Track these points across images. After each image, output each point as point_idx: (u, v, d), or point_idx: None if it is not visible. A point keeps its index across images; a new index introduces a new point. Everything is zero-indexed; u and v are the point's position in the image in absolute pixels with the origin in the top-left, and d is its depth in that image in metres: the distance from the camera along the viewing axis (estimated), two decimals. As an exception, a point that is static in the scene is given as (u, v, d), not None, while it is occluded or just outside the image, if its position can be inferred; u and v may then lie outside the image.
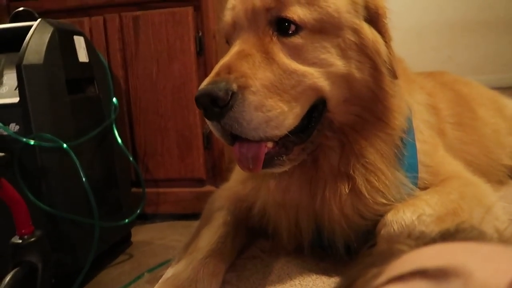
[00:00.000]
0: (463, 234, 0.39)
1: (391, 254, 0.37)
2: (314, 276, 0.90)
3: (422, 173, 0.91)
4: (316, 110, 0.80)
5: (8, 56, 1.22)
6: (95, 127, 1.32)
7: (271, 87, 0.73)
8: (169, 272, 0.95)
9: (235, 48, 0.77)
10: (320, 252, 0.95)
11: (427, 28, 2.97)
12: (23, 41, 1.14)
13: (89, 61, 1.35)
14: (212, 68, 0.76)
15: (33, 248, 1.00)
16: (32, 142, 1.10)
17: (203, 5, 1.53)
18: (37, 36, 1.17)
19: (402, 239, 0.41)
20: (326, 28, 0.77)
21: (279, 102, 0.73)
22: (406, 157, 0.87)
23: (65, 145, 1.15)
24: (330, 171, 0.84)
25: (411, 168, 0.89)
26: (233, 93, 0.70)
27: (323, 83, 0.77)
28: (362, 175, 0.83)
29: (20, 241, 0.99)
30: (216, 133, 0.77)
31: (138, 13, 1.58)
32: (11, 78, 1.18)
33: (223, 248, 0.93)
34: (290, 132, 0.75)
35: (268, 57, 0.75)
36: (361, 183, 0.83)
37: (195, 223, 1.24)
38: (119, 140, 1.42)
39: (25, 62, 1.12)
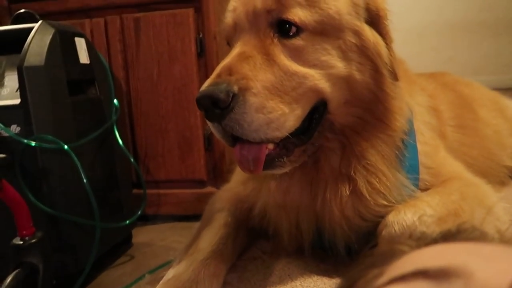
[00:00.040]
0: (464, 235, 0.39)
1: (392, 255, 0.37)
2: (315, 277, 0.89)
3: (423, 175, 0.91)
4: (317, 112, 0.80)
5: (10, 58, 1.22)
6: (96, 129, 1.32)
7: (272, 88, 0.73)
8: (170, 273, 0.94)
9: (236, 50, 0.77)
10: (321, 253, 0.95)
11: (428, 29, 2.97)
12: (25, 43, 1.15)
13: (90, 63, 1.35)
14: (212, 70, 0.77)
15: (34, 249, 1.00)
16: (33, 143, 1.10)
17: (204, 7, 1.54)
18: (38, 37, 1.17)
19: (403, 239, 0.41)
20: (327, 30, 0.77)
21: (280, 104, 0.73)
22: (407, 158, 0.87)
23: (66, 147, 1.15)
24: (331, 173, 0.84)
25: (412, 169, 0.89)
26: (234, 95, 0.70)
27: (324, 85, 0.77)
28: (363, 176, 0.83)
29: (21, 242, 0.99)
30: (217, 135, 0.77)
31: (139, 14, 1.59)
32: (12, 79, 1.18)
33: (224, 249, 0.93)
34: (291, 133, 0.75)
35: (269, 58, 0.75)
36: (362, 185, 0.82)
37: (195, 224, 1.24)
38: (120, 141, 1.42)
39: (26, 63, 1.12)
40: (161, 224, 1.68)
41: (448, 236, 0.38)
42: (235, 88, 0.70)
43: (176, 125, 1.62)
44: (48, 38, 1.18)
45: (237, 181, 1.09)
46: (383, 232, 0.80)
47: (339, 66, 0.77)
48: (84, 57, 1.33)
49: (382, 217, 0.84)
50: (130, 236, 1.53)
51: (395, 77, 0.81)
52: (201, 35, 1.56)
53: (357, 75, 0.79)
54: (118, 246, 1.44)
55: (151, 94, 1.62)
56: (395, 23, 0.83)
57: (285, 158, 0.79)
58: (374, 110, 0.82)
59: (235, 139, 0.77)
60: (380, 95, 0.81)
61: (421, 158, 0.91)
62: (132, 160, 1.53)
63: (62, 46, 1.22)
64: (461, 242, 0.36)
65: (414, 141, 0.90)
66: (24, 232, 1.00)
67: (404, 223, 0.78)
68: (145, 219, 1.68)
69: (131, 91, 1.64)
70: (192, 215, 1.57)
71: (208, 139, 1.61)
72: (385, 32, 0.81)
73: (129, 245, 1.51)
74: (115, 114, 1.43)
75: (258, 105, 0.71)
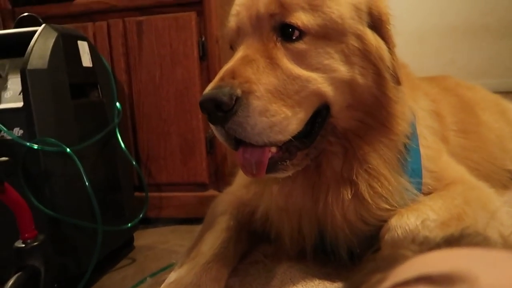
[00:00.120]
0: (467, 240, 0.38)
1: (395, 260, 0.37)
2: (317, 281, 0.89)
3: (426, 179, 0.91)
4: (320, 116, 0.80)
5: (13, 61, 1.23)
6: (99, 132, 1.32)
7: (275, 92, 0.73)
8: (172, 277, 0.94)
9: (239, 54, 0.77)
10: (323, 257, 0.95)
11: (430, 32, 2.97)
12: (28, 46, 1.15)
13: (92, 66, 1.36)
14: (215, 73, 0.77)
15: (36, 252, 1.00)
16: (35, 146, 1.11)
17: (206, 10, 1.54)
18: (42, 41, 1.18)
19: (406, 244, 0.41)
20: (330, 34, 0.77)
21: (283, 107, 0.73)
22: (409, 162, 0.87)
23: (68, 150, 1.15)
24: (333, 177, 0.84)
25: (415, 173, 0.88)
26: (237, 98, 0.70)
27: (327, 89, 0.77)
28: (365, 180, 0.83)
29: (23, 245, 0.99)
30: (220, 138, 0.78)
31: (141, 18, 1.59)
32: (15, 82, 1.19)
33: (226, 253, 0.93)
34: (293, 137, 0.75)
35: (272, 62, 0.75)
36: (364, 189, 0.82)
37: (197, 228, 1.24)
38: (122, 144, 1.42)
39: (29, 67, 1.13)
40: (162, 227, 1.68)
41: (451, 241, 0.38)
42: (238, 92, 0.71)
43: (178, 128, 1.62)
44: (51, 42, 1.18)
45: (240, 184, 1.09)
46: (386, 236, 0.80)
47: (342, 70, 0.77)
48: (86, 61, 1.34)
49: (385, 221, 0.84)
50: (131, 239, 1.53)
51: (397, 81, 0.81)
52: (203, 39, 1.56)
53: (360, 79, 0.79)
54: (120, 249, 1.44)
55: (153, 97, 1.63)
56: (397, 27, 0.83)
57: (288, 162, 0.79)
58: (376, 114, 0.82)
59: (238, 143, 0.77)
60: (383, 99, 0.81)
61: (424, 162, 0.91)
62: (134, 163, 1.53)
63: (65, 49, 1.22)
64: (464, 247, 0.36)
65: (417, 145, 0.90)
66: (26, 235, 1.00)
67: (407, 227, 0.78)
68: (147, 222, 1.68)
69: (134, 94, 1.65)
70: (194, 218, 1.57)
71: (210, 142, 1.61)
72: (387, 37, 0.81)
73: (130, 248, 1.51)
74: (117, 117, 1.43)
75: (261, 108, 0.71)
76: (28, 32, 1.21)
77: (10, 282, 0.94)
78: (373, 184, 0.83)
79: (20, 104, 1.14)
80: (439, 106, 1.12)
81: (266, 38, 0.77)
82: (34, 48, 1.15)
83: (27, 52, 1.14)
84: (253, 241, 1.05)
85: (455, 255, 0.34)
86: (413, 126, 0.89)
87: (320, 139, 0.82)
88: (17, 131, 1.13)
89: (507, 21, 2.87)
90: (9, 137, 1.12)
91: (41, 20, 1.30)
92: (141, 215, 1.44)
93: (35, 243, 1.00)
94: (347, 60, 0.78)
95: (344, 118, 0.81)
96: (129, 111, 1.65)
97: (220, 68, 0.77)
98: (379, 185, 0.83)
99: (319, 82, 0.76)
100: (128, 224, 1.39)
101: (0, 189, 0.95)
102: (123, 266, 1.38)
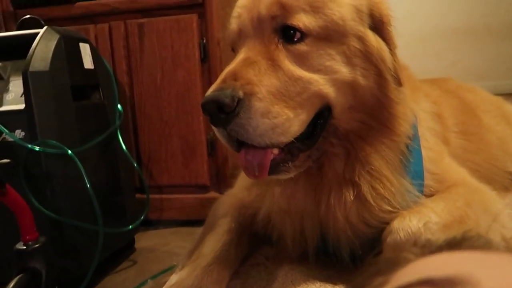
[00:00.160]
0: (469, 243, 0.38)
1: (397, 263, 0.36)
2: (318, 284, 0.89)
3: (428, 180, 0.90)
4: (322, 117, 0.80)
5: (15, 63, 1.23)
6: (100, 134, 1.32)
7: (277, 93, 0.73)
8: (173, 279, 0.94)
9: (241, 56, 0.77)
10: (325, 259, 0.95)
11: (431, 34, 2.97)
12: (30, 48, 1.16)
13: (94, 68, 1.36)
14: (216, 75, 0.77)
15: (38, 254, 1.00)
16: (37, 148, 1.11)
17: (208, 13, 1.54)
18: (43, 43, 1.18)
19: (408, 247, 0.41)
20: (331, 36, 0.77)
21: (285, 108, 0.73)
22: (411, 164, 0.87)
23: (69, 152, 1.15)
24: (335, 178, 0.84)
25: (417, 175, 0.88)
26: (239, 100, 0.70)
27: (329, 90, 0.77)
28: (367, 182, 0.82)
29: (25, 247, 0.99)
30: (222, 140, 0.78)
31: (143, 20, 1.60)
32: (17, 85, 1.19)
33: (227, 255, 0.93)
34: (295, 138, 0.75)
35: (274, 64, 0.75)
36: (366, 190, 0.82)
37: (199, 230, 1.24)
38: (124, 146, 1.42)
39: (31, 69, 1.13)
40: (164, 229, 1.68)
41: (453, 244, 0.38)
42: (240, 93, 0.71)
43: (179, 130, 1.62)
44: (53, 44, 1.19)
45: (241, 186, 1.08)
46: (388, 239, 0.79)
47: (344, 71, 0.77)
48: (88, 63, 1.34)
49: (387, 223, 0.83)
50: (133, 241, 1.53)
51: (399, 83, 0.82)
52: (204, 41, 1.57)
53: (361, 80, 0.79)
54: (121, 251, 1.44)
55: (154, 99, 1.63)
56: (398, 28, 0.83)
57: (290, 163, 0.79)
58: (378, 115, 0.82)
59: (240, 144, 0.77)
60: (384, 100, 0.81)
61: (426, 164, 0.91)
62: (135, 164, 1.53)
63: (67, 51, 1.23)
64: (466, 250, 0.36)
65: (419, 146, 0.90)
66: (27, 237, 1.00)
67: (409, 230, 0.78)
68: (148, 224, 1.68)
69: (135, 96, 1.65)
70: (195, 220, 1.57)
71: (211, 144, 1.61)
72: (388, 38, 0.81)
73: (132, 250, 1.51)
74: (118, 119, 1.43)
75: (263, 110, 0.71)
76: (30, 34, 1.21)
77: (11, 284, 0.94)
78: (375, 185, 0.83)
79: (21, 106, 1.14)
80: (440, 108, 1.12)
81: (267, 40, 0.77)
82: (36, 50, 1.16)
83: (29, 54, 1.15)
84: (254, 244, 1.05)
85: (457, 258, 0.34)
86: (414, 127, 0.89)
87: (322, 141, 0.82)
88: (19, 133, 1.14)
89: (509, 22, 2.87)
90: (10, 139, 1.12)
91: (43, 22, 1.30)
92: (142, 217, 1.45)
93: (36, 245, 1.00)
94: (349, 62, 0.78)
95: (346, 119, 0.81)
96: (131, 113, 1.66)
97: (222, 70, 0.77)
98: (381, 186, 0.83)
99: (321, 83, 0.76)
100: (129, 226, 1.39)
101: (2, 191, 0.95)
102: (124, 268, 1.38)
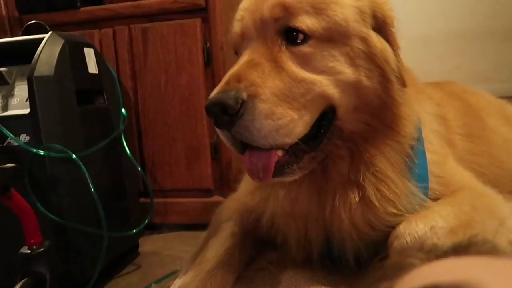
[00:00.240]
0: (476, 247, 0.38)
1: (402, 268, 0.36)
2: (323, 288, 0.88)
3: (433, 184, 0.90)
4: (326, 118, 0.80)
5: (20, 68, 1.24)
6: (104, 138, 1.33)
7: (280, 95, 0.73)
8: (177, 283, 0.94)
9: (244, 58, 0.77)
10: (329, 264, 0.94)
11: (434, 37, 2.96)
12: (35, 53, 1.17)
13: (98, 73, 1.37)
14: (219, 79, 0.77)
15: (42, 258, 1.00)
16: (42, 152, 1.11)
17: (211, 17, 1.55)
18: (48, 48, 1.19)
19: (414, 252, 0.40)
20: (334, 37, 0.77)
21: (288, 110, 0.73)
22: (416, 166, 0.86)
23: (74, 156, 1.16)
24: (339, 180, 0.84)
25: (421, 178, 0.88)
26: (243, 102, 0.70)
27: (333, 91, 0.77)
28: (372, 184, 0.82)
29: (29, 251, 0.99)
30: (226, 142, 0.77)
31: (147, 25, 1.61)
32: (22, 89, 1.20)
33: (230, 259, 0.92)
34: (300, 140, 0.75)
35: (277, 66, 0.75)
36: (371, 192, 0.81)
37: (202, 234, 1.23)
38: (128, 150, 1.43)
39: (36, 73, 1.14)
40: (167, 233, 1.68)
41: (459, 249, 0.37)
42: (244, 95, 0.70)
43: (183, 134, 1.63)
44: (57, 49, 1.20)
45: (245, 190, 1.08)
46: (395, 244, 0.79)
47: (347, 72, 0.77)
48: (92, 67, 1.35)
49: (391, 226, 0.83)
50: (137, 245, 1.53)
51: (403, 84, 0.81)
52: (208, 45, 1.57)
53: (365, 81, 0.79)
54: (125, 255, 1.44)
55: (158, 103, 1.64)
56: (401, 31, 0.83)
57: (294, 165, 0.79)
58: (382, 117, 0.82)
59: (244, 147, 0.76)
60: (388, 101, 0.81)
61: (430, 167, 0.90)
62: (139, 169, 1.54)
63: (71, 56, 1.24)
64: (473, 255, 0.36)
65: (423, 149, 0.90)
66: (32, 241, 1.00)
67: (416, 234, 0.77)
68: (152, 228, 1.68)
69: (139, 100, 1.66)
70: (199, 224, 1.57)
71: (215, 148, 1.61)
72: (391, 39, 0.81)
73: (135, 254, 1.51)
74: (122, 123, 1.44)
75: (267, 111, 0.71)
76: (35, 39, 1.22)
77: (16, 288, 0.94)
78: (380, 187, 0.82)
79: (26, 110, 1.15)
80: (444, 110, 1.11)
81: (270, 42, 0.77)
82: (41, 55, 1.17)
83: (34, 59, 1.16)
84: (258, 248, 1.05)
85: (464, 263, 0.33)
86: (418, 130, 0.88)
87: (327, 142, 0.81)
88: (24, 138, 1.14)
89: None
90: (15, 144, 1.13)
91: (48, 27, 1.31)
92: (146, 221, 1.44)
93: (41, 249, 1.00)
94: (352, 63, 0.78)
95: (350, 120, 0.81)
96: (135, 117, 1.66)
97: (225, 74, 0.77)
98: (386, 188, 0.82)
99: (325, 84, 0.76)
100: (133, 230, 1.39)
101: (7, 195, 0.96)
102: (128, 272, 1.38)
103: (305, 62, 0.76)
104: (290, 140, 0.74)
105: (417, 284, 0.30)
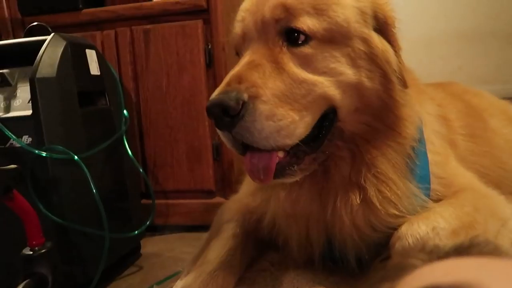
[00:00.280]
0: (478, 248, 0.38)
1: (403, 269, 0.36)
2: (324, 289, 0.88)
3: (435, 185, 0.89)
4: (327, 119, 0.80)
5: (22, 70, 1.25)
6: (106, 139, 1.33)
7: (281, 96, 0.73)
8: (178, 285, 0.94)
9: (245, 59, 0.77)
10: (331, 265, 0.94)
11: (436, 38, 2.95)
12: (37, 55, 1.17)
13: (100, 74, 1.37)
14: (221, 80, 0.77)
15: (44, 259, 1.00)
16: (44, 154, 1.12)
17: (213, 18, 1.55)
18: (50, 50, 1.19)
19: (416, 253, 0.40)
20: (336, 38, 0.77)
21: (289, 111, 0.73)
22: (418, 167, 0.86)
23: (76, 157, 1.16)
24: (341, 181, 0.83)
25: (423, 179, 0.87)
26: (244, 103, 0.70)
27: (334, 92, 0.77)
28: (373, 185, 0.82)
29: (31, 252, 1.00)
30: (227, 143, 0.77)
31: (148, 26, 1.61)
32: (24, 91, 1.20)
33: (232, 261, 0.92)
34: (301, 141, 0.75)
35: (278, 67, 0.75)
36: (372, 194, 0.81)
37: (204, 235, 1.23)
38: (129, 151, 1.43)
39: (38, 75, 1.14)
40: (169, 234, 1.68)
41: (461, 250, 0.37)
42: (245, 96, 0.70)
43: (185, 135, 1.63)
44: (59, 50, 1.20)
45: (246, 192, 1.08)
46: (397, 245, 0.78)
47: (349, 73, 0.77)
48: (94, 69, 1.35)
49: (393, 228, 0.83)
50: (138, 247, 1.53)
51: (404, 84, 0.81)
52: (209, 46, 1.57)
53: (367, 82, 0.78)
54: (127, 257, 1.44)
55: (160, 104, 1.64)
56: (402, 32, 0.83)
57: (295, 167, 0.78)
58: (384, 118, 0.81)
59: (245, 148, 0.76)
60: (390, 102, 0.81)
61: (432, 168, 0.90)
62: (141, 170, 1.54)
63: (74, 58, 1.24)
64: (474, 256, 0.35)
65: (425, 150, 0.89)
66: (34, 242, 1.00)
67: (418, 235, 0.77)
68: (154, 230, 1.68)
69: (141, 101, 1.66)
70: (201, 225, 1.57)
71: (217, 149, 1.61)
72: (393, 40, 0.81)
73: (137, 255, 1.51)
74: (124, 124, 1.44)
75: (268, 112, 0.71)
76: (37, 41, 1.22)
77: (18, 290, 0.94)
78: (381, 188, 0.82)
79: (29, 112, 1.15)
80: (446, 111, 1.11)
81: (271, 43, 0.77)
82: (43, 57, 1.17)
83: (36, 60, 1.16)
84: (259, 249, 1.04)
85: (465, 264, 0.33)
86: (420, 130, 0.88)
87: (328, 143, 0.81)
88: (26, 139, 1.15)
89: (514, 26, 2.85)
90: (18, 145, 1.13)
91: (50, 29, 1.32)
92: (148, 223, 1.45)
93: (43, 250, 1.00)
94: (354, 64, 0.77)
95: (351, 121, 0.81)
96: (136, 118, 1.67)
97: (227, 75, 0.77)
98: (387, 189, 0.82)
99: (326, 85, 0.76)
100: (135, 231, 1.39)
101: (9, 196, 0.96)
102: (130, 274, 1.38)
103: (306, 63, 0.76)
104: (291, 141, 0.74)
105: (418, 285, 0.30)
